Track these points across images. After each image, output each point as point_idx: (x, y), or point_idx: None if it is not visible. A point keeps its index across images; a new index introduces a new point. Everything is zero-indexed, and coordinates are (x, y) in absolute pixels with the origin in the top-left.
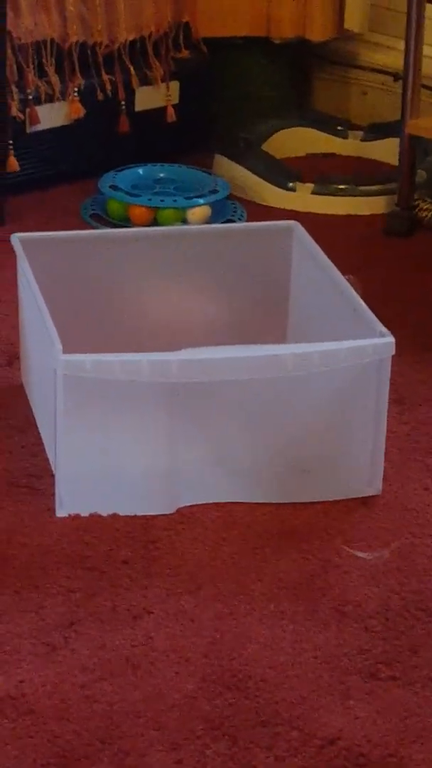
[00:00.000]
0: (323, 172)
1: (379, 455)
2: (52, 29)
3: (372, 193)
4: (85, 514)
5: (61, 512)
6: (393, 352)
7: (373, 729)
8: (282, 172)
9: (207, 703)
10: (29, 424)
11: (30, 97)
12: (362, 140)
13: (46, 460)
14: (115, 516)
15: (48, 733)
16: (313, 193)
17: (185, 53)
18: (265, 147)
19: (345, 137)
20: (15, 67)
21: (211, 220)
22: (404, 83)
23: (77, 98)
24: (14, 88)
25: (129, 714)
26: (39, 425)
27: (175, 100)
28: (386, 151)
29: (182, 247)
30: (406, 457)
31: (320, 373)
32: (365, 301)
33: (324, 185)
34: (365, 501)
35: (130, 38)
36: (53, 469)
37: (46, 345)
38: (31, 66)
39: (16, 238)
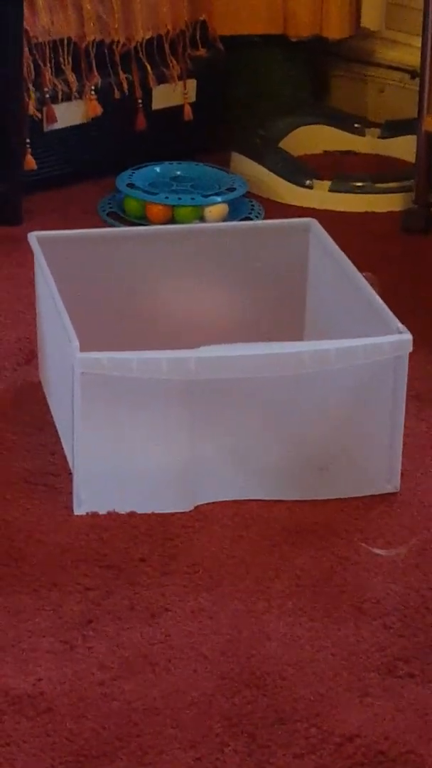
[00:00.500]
0: (340, 170)
1: (396, 452)
2: (69, 28)
3: (389, 190)
4: (102, 512)
5: (79, 510)
6: (411, 349)
7: (392, 726)
8: (299, 170)
9: (225, 701)
10: (47, 422)
11: (47, 95)
12: (379, 137)
13: (64, 458)
14: (132, 514)
15: (66, 731)
16: (331, 190)
17: (202, 51)
18: (282, 145)
19: (362, 135)
20: (32, 65)
21: (228, 217)
22: (421, 80)
23: (94, 97)
24: (31, 87)
25: (147, 712)
26: (57, 423)
27: (192, 98)
28: (403, 148)
29: (199, 245)
30: (424, 454)
31: (337, 371)
32: (382, 298)
33: (341, 183)
34: (383, 498)
35: (147, 37)
36: (71, 467)
37: (63, 343)
38: (48, 65)
39: (34, 237)
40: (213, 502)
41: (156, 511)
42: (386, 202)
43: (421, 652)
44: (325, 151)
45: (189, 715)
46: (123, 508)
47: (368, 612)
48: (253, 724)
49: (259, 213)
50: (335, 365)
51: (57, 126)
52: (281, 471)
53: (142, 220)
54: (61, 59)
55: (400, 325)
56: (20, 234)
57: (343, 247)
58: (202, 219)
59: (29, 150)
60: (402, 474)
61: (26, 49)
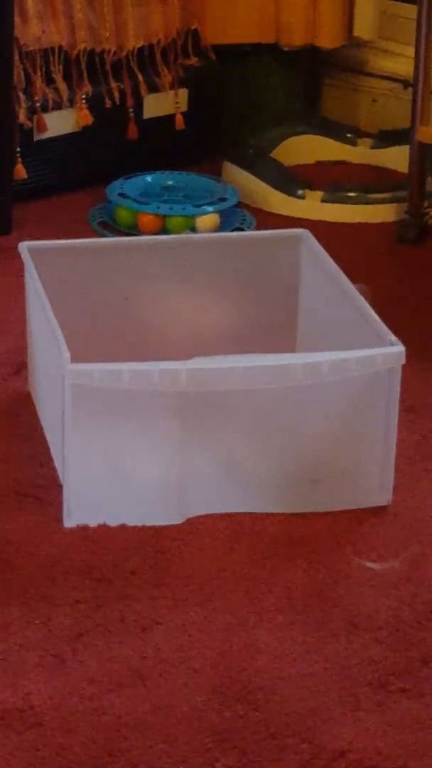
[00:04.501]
0: (333, 180)
1: (389, 465)
2: (60, 36)
3: (382, 200)
4: (93, 524)
5: (68, 523)
6: (403, 361)
7: (384, 741)
8: (291, 180)
9: (216, 715)
10: (37, 434)
11: (38, 104)
12: (372, 148)
13: (54, 470)
14: (123, 526)
15: (55, 745)
16: (323, 200)
17: (194, 60)
18: (274, 154)
19: (355, 145)
20: (22, 74)
21: (220, 228)
22: (414, 90)
23: (85, 105)
24: (22, 96)
25: (137, 726)
26: (47, 435)
27: (184, 107)
28: (396, 158)
29: (191, 256)
30: (416, 467)
31: (330, 383)
32: (375, 310)
33: (333, 193)
34: (375, 511)
35: (139, 45)
36: (61, 479)
37: (54, 354)
38: (39, 73)
39: (24, 247)
40: (204, 515)
41: (147, 524)
42: (379, 213)
43: (413, 667)
44: (318, 161)
45: (179, 729)
46: (113, 521)
47: (360, 626)
48: (244, 738)
49: (250, 223)
50: (328, 377)
51: (47, 135)
52: (273, 483)
53: (133, 229)
54: (52, 68)
55: (392, 337)
56: (10, 243)
57: (336, 258)
58: (193, 229)
59: (19, 159)
60: (394, 487)
61: (17, 58)
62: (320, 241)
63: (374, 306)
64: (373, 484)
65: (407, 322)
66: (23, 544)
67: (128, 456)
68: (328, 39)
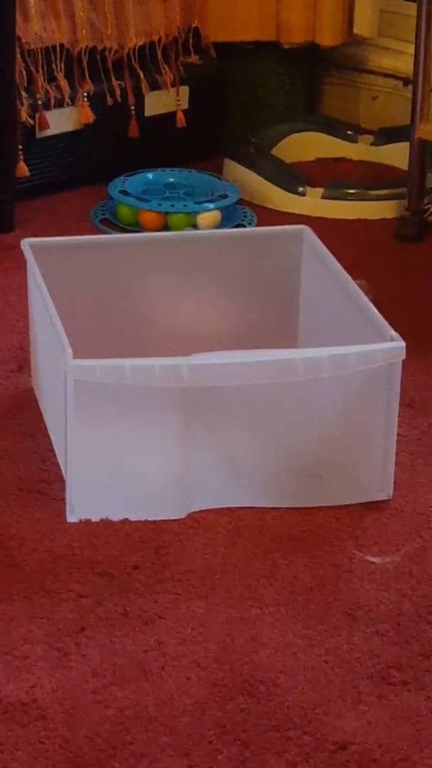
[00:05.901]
0: (333, 177)
1: (389, 459)
2: (62, 34)
3: (382, 197)
4: (95, 519)
5: (71, 517)
6: (404, 356)
7: (385, 734)
8: (292, 177)
9: (218, 708)
10: (40, 430)
11: (39, 102)
12: (372, 145)
13: (57, 465)
14: (125, 521)
15: (59, 738)
16: (323, 197)
17: (195, 58)
18: (275, 152)
19: (355, 142)
20: (24, 72)
21: (221, 225)
22: (414, 87)
23: (87, 103)
24: (24, 93)
25: (140, 719)
26: (50, 430)
27: (185, 105)
28: (396, 155)
29: (192, 252)
30: (416, 462)
31: (331, 378)
32: (375, 306)
33: (334, 190)
34: (376, 505)
35: (140, 43)
36: (64, 474)
37: (56, 350)
38: (41, 71)
39: (26, 244)
40: (206, 510)
41: (149, 519)
42: (379, 210)
43: (414, 660)
44: (318, 158)
45: (182, 722)
46: (116, 516)
47: (361, 619)
48: (246, 731)
49: (251, 220)
50: (328, 373)
51: (49, 133)
52: (274, 478)
53: (135, 227)
54: (54, 66)
55: (393, 332)
56: (12, 241)
57: (336, 255)
58: (194, 226)
59: (21, 157)
60: (395, 482)
61: (19, 56)
62: (321, 237)
63: (374, 302)
64: (374, 478)
65: (407, 318)
66: (26, 539)
67: (130, 451)
68: (328, 37)
